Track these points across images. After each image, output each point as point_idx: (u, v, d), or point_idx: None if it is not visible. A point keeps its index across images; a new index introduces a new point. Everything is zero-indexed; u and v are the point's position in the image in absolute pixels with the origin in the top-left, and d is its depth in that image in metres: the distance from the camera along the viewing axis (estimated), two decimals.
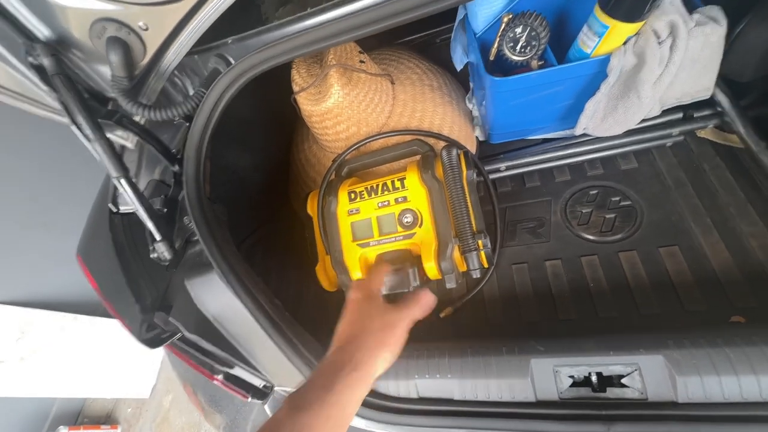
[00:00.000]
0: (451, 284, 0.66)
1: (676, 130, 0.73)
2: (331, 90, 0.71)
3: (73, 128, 0.52)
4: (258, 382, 0.62)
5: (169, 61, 0.53)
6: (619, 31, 0.57)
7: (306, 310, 0.82)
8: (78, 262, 0.69)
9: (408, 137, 0.79)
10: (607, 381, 0.48)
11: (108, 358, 1.60)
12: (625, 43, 0.59)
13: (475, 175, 0.72)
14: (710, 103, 0.70)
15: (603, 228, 0.72)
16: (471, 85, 0.87)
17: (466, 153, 0.72)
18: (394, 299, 0.53)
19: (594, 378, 0.49)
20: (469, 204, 0.67)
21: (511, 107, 0.72)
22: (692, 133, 0.74)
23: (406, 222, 0.69)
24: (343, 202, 0.74)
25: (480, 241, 0.65)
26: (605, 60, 0.61)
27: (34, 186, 1.51)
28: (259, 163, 0.94)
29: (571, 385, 0.49)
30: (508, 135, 0.84)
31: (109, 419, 1.76)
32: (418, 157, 0.76)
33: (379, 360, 0.43)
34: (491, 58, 0.71)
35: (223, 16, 0.47)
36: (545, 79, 0.66)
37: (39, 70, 0.49)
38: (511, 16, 0.65)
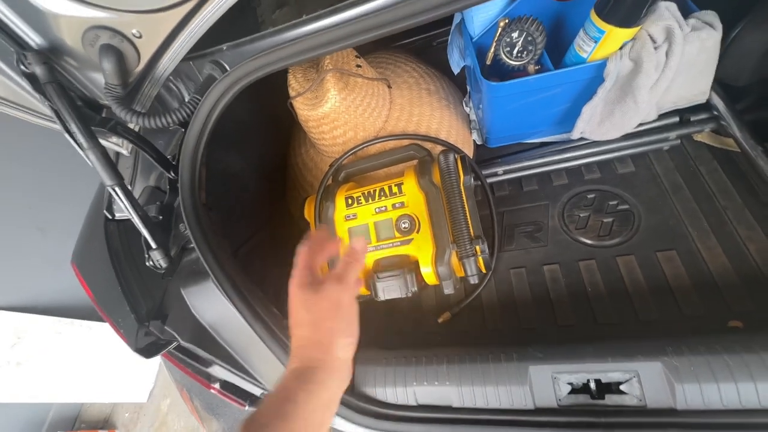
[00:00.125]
0: (449, 290, 0.66)
1: (672, 134, 0.73)
2: (327, 95, 0.71)
3: (67, 136, 0.51)
4: (255, 390, 0.62)
5: (164, 68, 0.52)
6: (616, 36, 0.57)
7: None
8: (73, 270, 0.68)
9: (405, 142, 0.79)
10: (606, 388, 0.48)
11: (105, 362, 1.59)
12: (621, 48, 0.59)
13: (472, 179, 0.71)
14: (706, 107, 0.70)
15: (601, 232, 0.72)
16: (468, 88, 0.87)
17: (464, 158, 0.72)
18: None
19: (593, 385, 0.49)
20: (467, 209, 0.67)
21: (508, 111, 0.72)
22: (689, 136, 0.74)
23: (404, 227, 0.69)
24: (340, 208, 0.74)
25: (478, 247, 0.65)
26: (602, 65, 0.61)
27: (30, 190, 1.50)
28: (256, 168, 0.93)
29: (570, 392, 0.49)
30: (505, 139, 0.84)
31: (106, 424, 1.75)
32: (415, 161, 0.76)
33: (336, 349, 0.38)
34: (488, 62, 0.71)
35: (218, 22, 0.47)
36: (542, 84, 0.66)
37: (31, 78, 0.48)
38: (507, 20, 0.65)
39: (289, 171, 0.98)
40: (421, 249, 0.66)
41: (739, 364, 0.43)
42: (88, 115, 0.55)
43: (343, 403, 0.55)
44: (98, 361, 1.58)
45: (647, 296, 0.63)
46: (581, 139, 0.77)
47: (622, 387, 0.47)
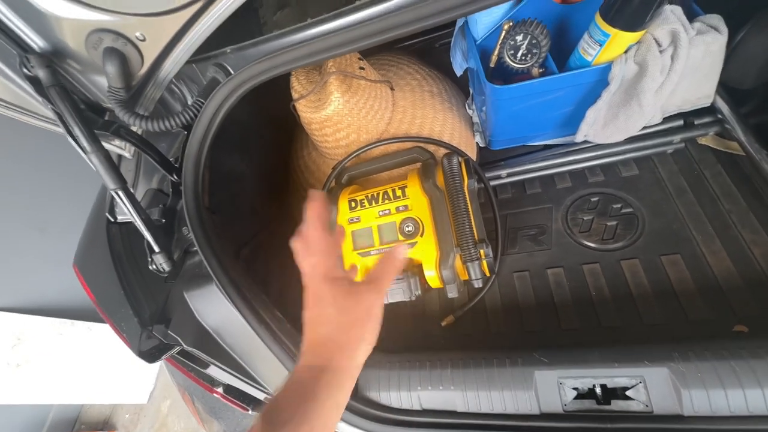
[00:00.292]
0: (452, 294, 0.65)
1: (676, 137, 0.73)
2: (330, 97, 0.71)
3: (70, 140, 0.51)
4: (259, 395, 0.61)
5: (167, 71, 0.52)
6: (621, 39, 0.57)
7: None
8: (75, 273, 0.68)
9: (408, 144, 0.79)
10: (612, 393, 0.48)
11: (105, 363, 1.59)
12: (626, 52, 0.59)
13: (476, 182, 0.71)
14: (711, 110, 0.70)
15: (604, 235, 0.72)
16: (471, 90, 0.87)
17: (468, 161, 0.72)
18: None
19: (598, 390, 0.48)
20: (471, 212, 0.67)
21: (511, 114, 0.71)
22: (693, 140, 0.74)
23: (408, 231, 0.68)
24: (343, 211, 0.73)
25: (482, 250, 0.65)
26: (606, 68, 0.61)
27: (31, 189, 1.50)
28: (258, 171, 0.93)
29: (576, 398, 0.49)
30: (508, 141, 0.83)
31: (106, 425, 1.74)
32: (418, 164, 0.75)
33: (359, 353, 0.37)
34: (492, 65, 0.70)
35: (222, 24, 0.46)
36: (546, 87, 0.65)
37: (34, 81, 0.48)
38: (511, 23, 0.65)
39: (291, 173, 0.97)
40: (425, 252, 0.66)
41: (746, 370, 0.43)
42: (91, 118, 0.55)
43: (347, 407, 0.55)
44: (98, 363, 1.58)
45: (652, 300, 0.63)
46: (585, 142, 0.77)
47: (628, 392, 0.47)
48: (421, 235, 0.67)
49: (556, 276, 0.71)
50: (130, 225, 0.66)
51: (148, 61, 0.50)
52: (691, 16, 0.59)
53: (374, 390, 0.57)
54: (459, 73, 0.84)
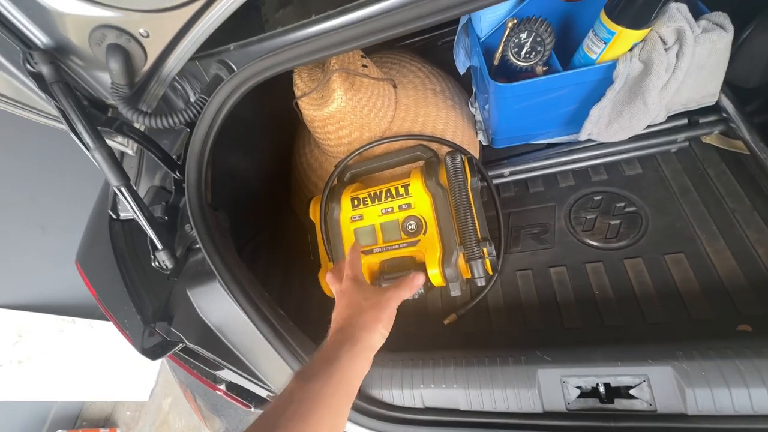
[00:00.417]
0: (455, 292, 0.65)
1: (681, 136, 0.73)
2: (333, 95, 0.70)
3: (73, 136, 0.51)
4: (261, 392, 0.61)
5: (171, 68, 0.52)
6: (626, 37, 0.57)
7: (310, 316, 0.81)
8: (77, 270, 0.68)
9: (411, 142, 0.79)
10: (616, 392, 0.48)
11: (107, 360, 1.59)
12: (631, 50, 0.59)
13: (479, 181, 0.71)
14: (716, 109, 0.70)
15: (608, 234, 0.72)
16: (473, 88, 0.87)
17: (471, 159, 0.72)
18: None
19: (602, 389, 0.48)
20: (474, 211, 0.67)
21: (515, 112, 0.71)
22: (697, 139, 0.74)
23: (410, 229, 0.68)
24: (346, 209, 0.73)
25: (485, 249, 0.65)
26: (611, 66, 0.60)
27: (32, 187, 1.50)
28: (261, 167, 0.93)
29: (579, 396, 0.49)
30: (511, 140, 0.83)
31: (108, 422, 1.75)
32: (421, 162, 0.75)
33: (376, 334, 0.47)
34: (495, 62, 0.70)
35: (225, 22, 0.46)
36: (550, 85, 0.65)
37: (37, 78, 0.48)
38: (515, 21, 0.65)
39: (294, 171, 0.97)
40: (428, 250, 0.66)
41: (751, 369, 0.43)
42: (94, 114, 0.55)
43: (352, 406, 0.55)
44: (100, 360, 1.58)
45: (655, 299, 0.63)
46: (588, 140, 0.77)
47: (631, 391, 0.47)
48: (424, 234, 0.67)
49: (559, 275, 0.71)
50: (132, 222, 0.66)
51: (152, 58, 0.50)
52: (697, 14, 0.58)
53: (377, 388, 0.57)
54: (462, 71, 0.84)
